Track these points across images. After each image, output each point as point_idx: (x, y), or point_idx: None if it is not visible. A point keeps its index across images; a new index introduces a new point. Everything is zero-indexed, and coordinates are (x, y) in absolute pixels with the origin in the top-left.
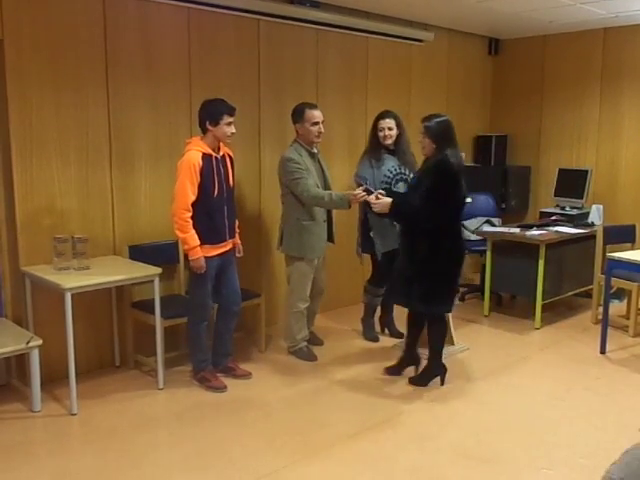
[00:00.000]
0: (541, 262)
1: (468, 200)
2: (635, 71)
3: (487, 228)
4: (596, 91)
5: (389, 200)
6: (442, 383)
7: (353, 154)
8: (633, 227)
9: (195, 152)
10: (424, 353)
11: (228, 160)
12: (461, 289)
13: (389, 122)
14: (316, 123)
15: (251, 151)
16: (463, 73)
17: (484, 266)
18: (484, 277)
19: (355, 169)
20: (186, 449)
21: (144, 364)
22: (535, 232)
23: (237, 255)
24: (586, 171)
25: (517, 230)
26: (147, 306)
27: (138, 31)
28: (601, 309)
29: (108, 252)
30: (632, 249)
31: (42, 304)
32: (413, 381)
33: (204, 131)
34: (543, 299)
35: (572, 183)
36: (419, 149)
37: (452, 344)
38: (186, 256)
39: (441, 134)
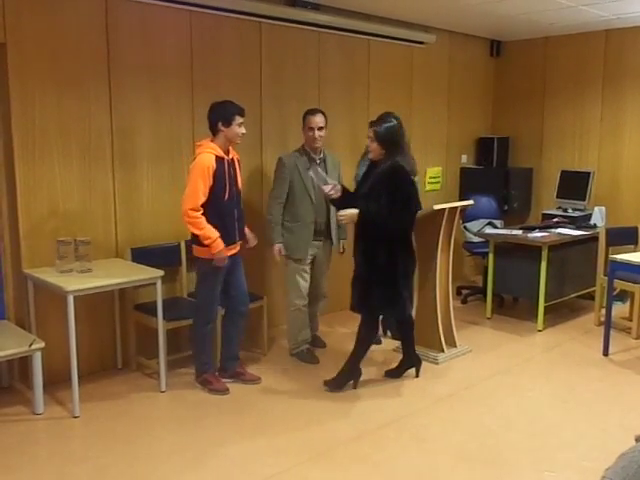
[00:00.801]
0: (543, 264)
1: (468, 203)
2: (637, 73)
3: (489, 230)
4: (598, 93)
5: (355, 211)
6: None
7: (355, 156)
8: (635, 229)
9: (209, 155)
10: (424, 353)
11: (237, 163)
12: (464, 291)
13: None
14: (311, 129)
15: (253, 153)
16: (465, 75)
17: (486, 268)
18: (486, 279)
19: (355, 170)
20: (188, 451)
21: (146, 366)
22: (537, 234)
23: (252, 244)
24: (588, 173)
25: (519, 232)
26: (149, 308)
27: (140, 34)
28: (604, 311)
29: (110, 254)
30: (635, 251)
31: (44, 306)
32: (328, 384)
33: (215, 133)
34: (545, 301)
35: (574, 185)
36: (419, 149)
37: (454, 346)
38: (189, 258)
39: (390, 139)
